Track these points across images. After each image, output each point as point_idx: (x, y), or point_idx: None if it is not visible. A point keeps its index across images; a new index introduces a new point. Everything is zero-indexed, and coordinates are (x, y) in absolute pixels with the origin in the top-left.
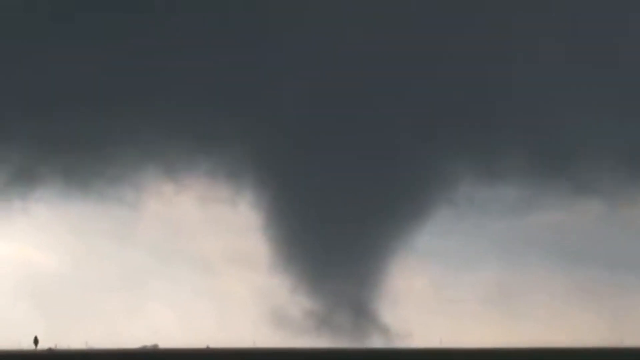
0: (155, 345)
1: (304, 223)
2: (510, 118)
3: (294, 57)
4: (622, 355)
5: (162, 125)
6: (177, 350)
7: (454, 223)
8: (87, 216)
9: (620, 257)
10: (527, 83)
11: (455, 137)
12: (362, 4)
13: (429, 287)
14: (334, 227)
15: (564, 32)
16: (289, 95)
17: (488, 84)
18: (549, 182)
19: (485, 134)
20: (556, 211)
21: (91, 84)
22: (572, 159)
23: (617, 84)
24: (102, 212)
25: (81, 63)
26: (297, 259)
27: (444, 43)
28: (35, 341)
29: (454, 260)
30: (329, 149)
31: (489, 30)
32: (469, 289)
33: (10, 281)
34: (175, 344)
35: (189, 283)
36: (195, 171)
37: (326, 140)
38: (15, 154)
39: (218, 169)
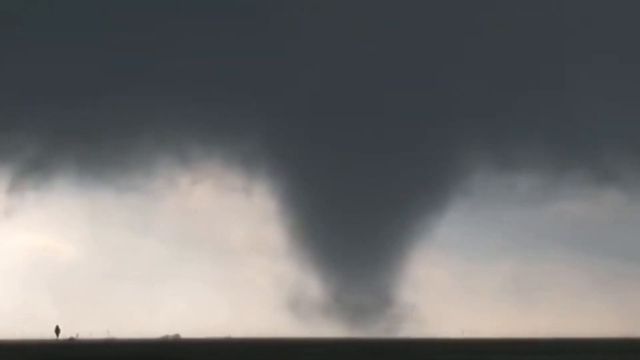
0: (177, 335)
1: (319, 214)
2: (531, 109)
3: (309, 48)
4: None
5: (178, 116)
6: (198, 340)
7: (470, 214)
8: (104, 206)
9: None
10: (549, 75)
11: (474, 129)
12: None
13: (448, 277)
14: (352, 217)
15: (585, 24)
16: (304, 86)
17: (514, 78)
18: (568, 173)
19: (505, 124)
20: (575, 202)
21: (106, 76)
22: (593, 150)
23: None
24: (119, 202)
25: (96, 55)
26: (314, 248)
27: (461, 37)
28: (57, 331)
29: (473, 251)
30: (346, 142)
31: (508, 22)
32: (488, 280)
33: (31, 272)
34: (197, 333)
35: (209, 273)
36: (211, 161)
37: (343, 133)
38: (29, 144)
39: (233, 158)
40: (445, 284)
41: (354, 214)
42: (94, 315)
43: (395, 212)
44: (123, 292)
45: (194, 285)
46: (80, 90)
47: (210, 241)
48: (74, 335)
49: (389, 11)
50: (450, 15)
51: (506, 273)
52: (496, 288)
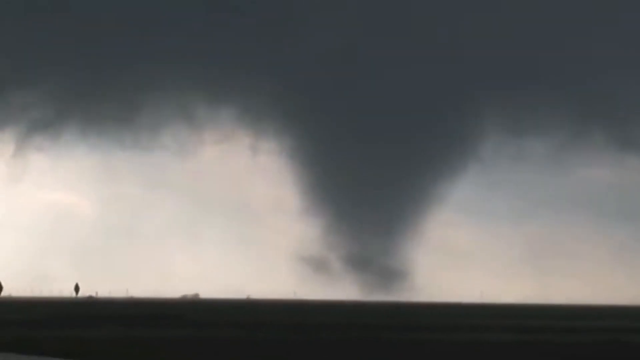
0: (196, 295)
1: (336, 177)
2: (555, 72)
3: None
4: None
5: (188, 79)
6: (217, 300)
7: (485, 179)
8: (117, 165)
9: None
10: (572, 39)
11: (492, 91)
12: None
13: (466, 241)
14: (368, 181)
15: None
16: (315, 47)
17: (532, 42)
18: (593, 139)
19: (528, 87)
20: (599, 167)
21: (117, 39)
22: (614, 115)
23: None
24: (135, 161)
25: (106, 19)
26: (332, 209)
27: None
28: (76, 289)
29: (492, 215)
30: (361, 108)
31: None
32: (506, 245)
33: (48, 230)
34: (216, 293)
35: (228, 232)
36: (225, 121)
37: (359, 99)
38: (39, 104)
39: (244, 118)
40: (462, 248)
41: (370, 177)
42: (115, 273)
43: (415, 176)
44: (141, 252)
45: (213, 245)
46: (89, 55)
47: (229, 200)
48: (93, 294)
49: None
50: None
51: (525, 237)
52: (515, 253)
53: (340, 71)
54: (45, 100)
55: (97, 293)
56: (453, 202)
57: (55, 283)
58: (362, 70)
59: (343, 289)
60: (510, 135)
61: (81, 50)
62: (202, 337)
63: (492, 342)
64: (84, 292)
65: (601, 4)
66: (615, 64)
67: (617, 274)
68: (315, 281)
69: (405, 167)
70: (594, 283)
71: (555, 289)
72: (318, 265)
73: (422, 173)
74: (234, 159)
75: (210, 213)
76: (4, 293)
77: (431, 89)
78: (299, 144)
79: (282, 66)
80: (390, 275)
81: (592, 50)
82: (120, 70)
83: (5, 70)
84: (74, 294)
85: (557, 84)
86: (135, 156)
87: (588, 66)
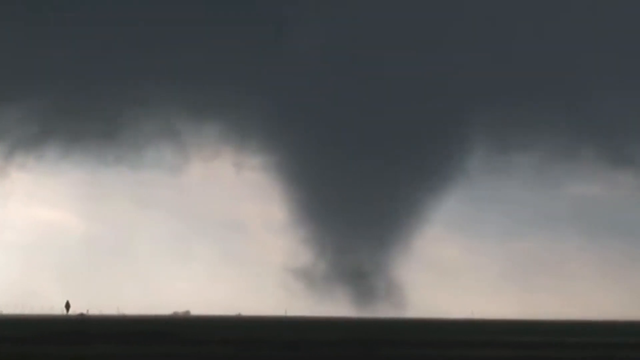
0: (187, 312)
1: (324, 192)
2: (545, 90)
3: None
4: None
5: (172, 96)
6: (208, 317)
7: (473, 195)
8: (104, 181)
9: None
10: (560, 55)
11: (480, 104)
12: None
13: (455, 258)
14: (355, 196)
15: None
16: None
17: (520, 57)
18: (584, 154)
19: (521, 105)
20: (590, 184)
21: (105, 58)
22: (608, 131)
23: None
24: (122, 177)
25: (95, 37)
26: (321, 226)
27: (465, 20)
28: (67, 306)
29: (482, 232)
30: (346, 123)
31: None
32: (497, 261)
33: (38, 247)
34: (207, 310)
35: (219, 249)
36: (222, 139)
37: (343, 114)
38: (25, 121)
39: (228, 135)
40: (453, 264)
41: (356, 193)
42: (106, 291)
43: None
44: (131, 269)
45: (204, 261)
46: (72, 73)
47: (220, 217)
48: (84, 311)
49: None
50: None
51: (515, 254)
52: (505, 269)
53: (329, 85)
54: (29, 117)
55: (88, 311)
56: (443, 218)
57: (45, 301)
58: (351, 85)
59: (334, 305)
60: (499, 150)
61: (67, 68)
62: (194, 354)
63: (489, 358)
64: (74, 310)
65: (598, 26)
66: (609, 81)
67: (607, 290)
68: (305, 297)
69: (396, 182)
70: (585, 299)
71: (546, 305)
72: (308, 281)
73: (413, 188)
74: (229, 176)
75: (200, 229)
76: None
77: (420, 106)
78: (286, 160)
79: (270, 81)
80: (382, 291)
81: (584, 65)
82: (106, 87)
83: None
84: (64, 312)
85: (547, 99)
86: (123, 173)
87: (578, 82)
